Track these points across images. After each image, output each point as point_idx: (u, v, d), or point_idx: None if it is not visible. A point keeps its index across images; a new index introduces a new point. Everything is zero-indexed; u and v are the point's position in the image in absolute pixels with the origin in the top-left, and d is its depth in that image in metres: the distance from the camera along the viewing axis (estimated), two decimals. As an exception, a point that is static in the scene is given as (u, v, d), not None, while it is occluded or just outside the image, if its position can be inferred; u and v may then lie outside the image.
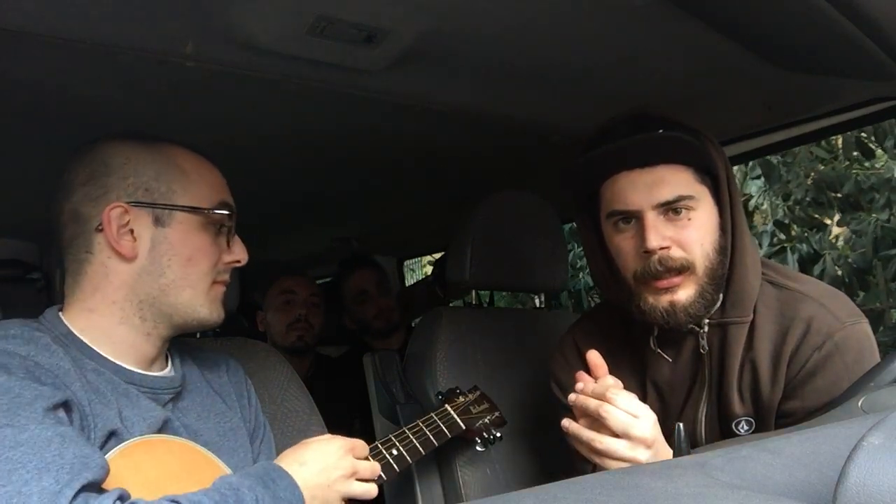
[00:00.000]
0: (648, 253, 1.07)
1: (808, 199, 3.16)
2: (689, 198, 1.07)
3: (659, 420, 1.19)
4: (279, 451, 1.14)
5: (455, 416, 1.36)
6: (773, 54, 1.28)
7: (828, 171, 3.12)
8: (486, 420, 1.40)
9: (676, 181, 1.07)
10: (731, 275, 1.10)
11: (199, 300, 0.98)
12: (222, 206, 1.00)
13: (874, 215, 2.89)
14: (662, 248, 1.06)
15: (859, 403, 0.87)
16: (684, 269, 1.07)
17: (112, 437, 0.87)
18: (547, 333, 1.72)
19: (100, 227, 0.93)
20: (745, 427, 1.13)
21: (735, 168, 2.21)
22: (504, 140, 1.70)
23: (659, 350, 1.17)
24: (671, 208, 1.07)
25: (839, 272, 2.89)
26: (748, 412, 1.12)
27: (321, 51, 1.16)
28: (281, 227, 2.60)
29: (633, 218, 1.09)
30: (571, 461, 1.17)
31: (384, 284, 2.53)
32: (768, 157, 3.09)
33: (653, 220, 1.07)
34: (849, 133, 2.88)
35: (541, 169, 1.97)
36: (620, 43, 1.24)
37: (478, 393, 1.46)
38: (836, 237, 3.27)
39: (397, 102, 1.41)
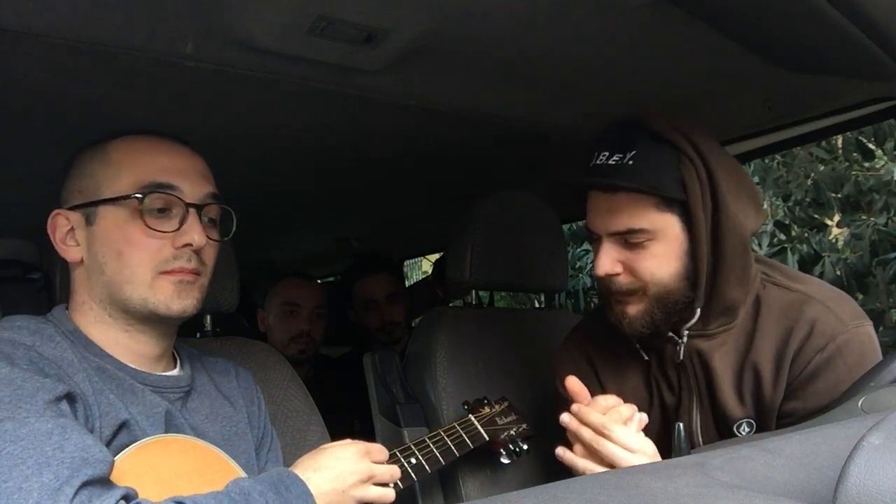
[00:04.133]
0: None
1: (808, 199, 3.16)
2: (643, 231, 1.07)
3: (659, 420, 1.19)
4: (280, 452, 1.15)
5: (479, 427, 1.34)
6: (773, 54, 1.28)
7: (827, 171, 3.12)
8: (512, 432, 1.37)
9: (632, 212, 1.07)
10: (712, 290, 1.09)
11: (143, 293, 0.92)
12: (152, 187, 0.92)
13: (872, 219, 2.89)
14: (610, 275, 1.10)
15: (859, 403, 0.87)
16: (631, 292, 1.10)
17: (123, 429, 0.87)
18: (547, 333, 1.72)
19: None
20: (747, 429, 1.13)
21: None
22: (504, 140, 1.70)
23: (641, 351, 1.19)
24: (624, 237, 1.09)
25: (838, 273, 2.89)
26: (748, 414, 1.12)
27: (321, 51, 1.16)
28: (281, 227, 2.60)
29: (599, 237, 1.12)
30: None
31: (396, 293, 2.42)
32: (765, 159, 3.09)
33: (608, 246, 1.10)
34: (849, 134, 2.88)
35: (541, 169, 1.97)
36: (621, 43, 1.24)
37: (506, 404, 1.44)
38: (836, 238, 3.27)
39: (397, 102, 1.40)
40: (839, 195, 3.00)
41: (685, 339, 1.13)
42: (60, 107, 1.29)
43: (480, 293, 1.78)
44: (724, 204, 1.06)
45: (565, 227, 3.39)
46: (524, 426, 1.41)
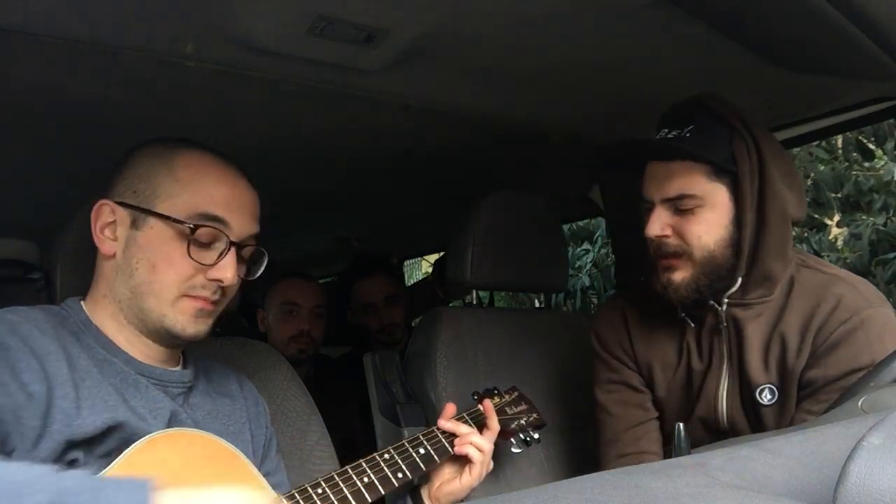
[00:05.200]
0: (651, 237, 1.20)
1: (808, 199, 3.16)
2: (694, 197, 1.15)
3: (682, 385, 1.28)
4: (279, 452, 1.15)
5: None
6: (774, 54, 1.28)
7: (827, 171, 3.11)
8: (523, 421, 1.37)
9: (685, 179, 1.16)
10: (754, 260, 1.17)
11: (162, 310, 0.93)
12: (205, 219, 0.94)
13: (871, 219, 2.90)
14: (660, 237, 1.18)
15: (859, 403, 0.87)
16: (678, 255, 1.18)
17: (116, 421, 0.86)
18: (547, 333, 1.72)
19: None
20: (769, 396, 1.20)
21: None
22: (504, 140, 1.70)
23: (685, 315, 1.25)
24: (676, 203, 1.17)
25: (838, 273, 2.88)
26: (771, 380, 1.20)
27: (321, 51, 1.16)
28: (281, 227, 2.60)
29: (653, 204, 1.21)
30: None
31: (395, 295, 2.40)
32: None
33: (660, 210, 1.18)
34: (849, 134, 2.88)
35: (541, 169, 1.97)
36: (621, 43, 1.24)
37: (516, 394, 1.43)
38: (836, 238, 3.27)
39: (397, 102, 1.41)
40: (839, 195, 3.00)
41: (725, 308, 1.20)
42: (60, 107, 1.29)
43: (480, 293, 1.78)
44: (770, 179, 1.15)
45: (565, 227, 3.39)
46: (535, 415, 1.40)
